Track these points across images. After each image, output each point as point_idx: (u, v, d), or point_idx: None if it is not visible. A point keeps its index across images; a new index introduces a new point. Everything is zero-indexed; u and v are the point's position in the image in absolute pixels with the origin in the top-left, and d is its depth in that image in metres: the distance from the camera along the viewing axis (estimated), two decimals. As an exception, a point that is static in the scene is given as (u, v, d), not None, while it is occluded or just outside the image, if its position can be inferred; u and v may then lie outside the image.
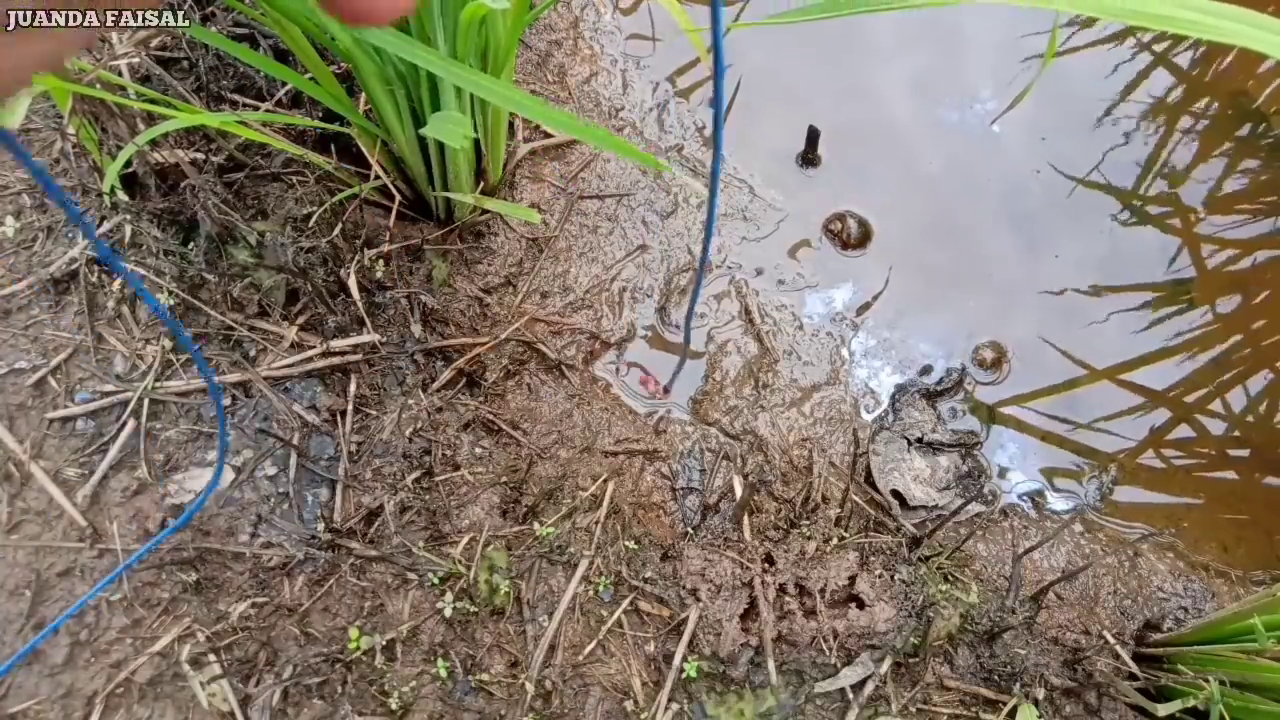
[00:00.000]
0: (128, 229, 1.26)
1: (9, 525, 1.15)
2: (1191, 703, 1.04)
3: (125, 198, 1.25)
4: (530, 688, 1.11)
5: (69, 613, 1.06)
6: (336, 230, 1.25)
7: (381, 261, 1.30)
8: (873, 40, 1.66)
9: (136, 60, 1.32)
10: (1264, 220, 1.54)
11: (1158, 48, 1.67)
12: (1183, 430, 1.40)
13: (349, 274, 1.25)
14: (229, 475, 1.18)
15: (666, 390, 1.34)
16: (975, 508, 1.31)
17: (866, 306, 1.46)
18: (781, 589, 1.16)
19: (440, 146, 1.19)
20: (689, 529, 1.25)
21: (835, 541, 1.20)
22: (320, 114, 1.35)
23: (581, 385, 1.34)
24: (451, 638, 1.14)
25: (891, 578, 1.18)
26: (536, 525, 1.20)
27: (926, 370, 1.42)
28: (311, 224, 1.26)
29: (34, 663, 1.09)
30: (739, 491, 1.26)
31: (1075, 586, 1.27)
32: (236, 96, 1.35)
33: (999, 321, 1.45)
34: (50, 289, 1.26)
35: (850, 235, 1.48)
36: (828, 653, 1.13)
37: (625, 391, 1.37)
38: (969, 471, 1.34)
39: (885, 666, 1.14)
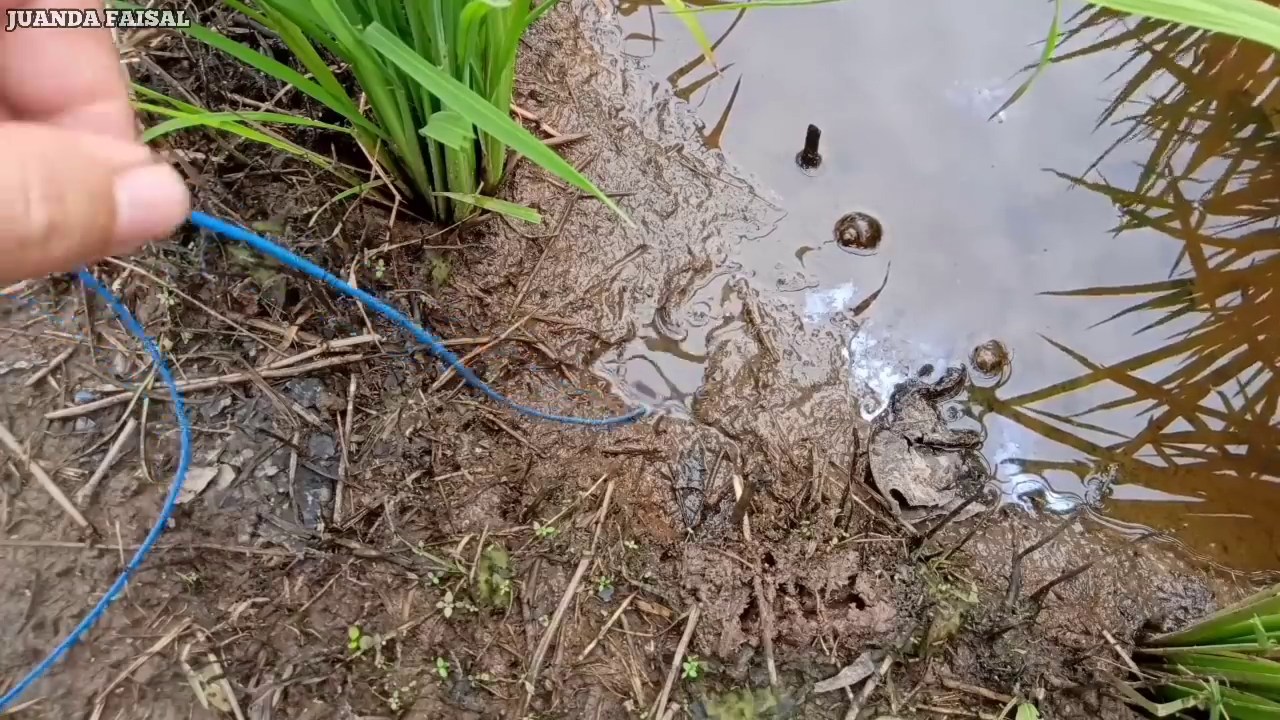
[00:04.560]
0: (128, 229, 1.26)
1: (9, 525, 1.15)
2: (1191, 703, 1.04)
3: (125, 198, 1.25)
4: (530, 688, 1.11)
5: (84, 624, 1.06)
6: (336, 230, 1.25)
7: (381, 261, 1.30)
8: (872, 40, 1.66)
9: (136, 60, 1.32)
10: (1264, 220, 1.54)
11: (1158, 47, 1.67)
12: (1183, 430, 1.40)
13: (349, 274, 1.25)
14: (229, 475, 1.18)
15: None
16: (975, 508, 1.31)
17: (866, 306, 1.46)
18: (781, 589, 1.16)
19: (440, 146, 1.19)
20: (689, 529, 1.25)
21: (835, 541, 1.20)
22: (320, 114, 1.35)
23: (582, 385, 1.34)
24: (451, 638, 1.14)
25: (891, 578, 1.18)
26: (536, 525, 1.20)
27: (927, 370, 1.42)
28: (311, 224, 1.26)
29: (34, 663, 1.09)
30: (739, 491, 1.26)
31: (1075, 586, 1.27)
32: (236, 96, 1.35)
33: (999, 321, 1.45)
34: (50, 289, 1.26)
35: (862, 236, 1.48)
36: (828, 653, 1.13)
37: (625, 391, 1.37)
38: (969, 471, 1.34)
39: (885, 666, 1.14)
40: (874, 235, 1.50)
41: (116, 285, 1.26)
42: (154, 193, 0.24)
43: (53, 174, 0.21)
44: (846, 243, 1.48)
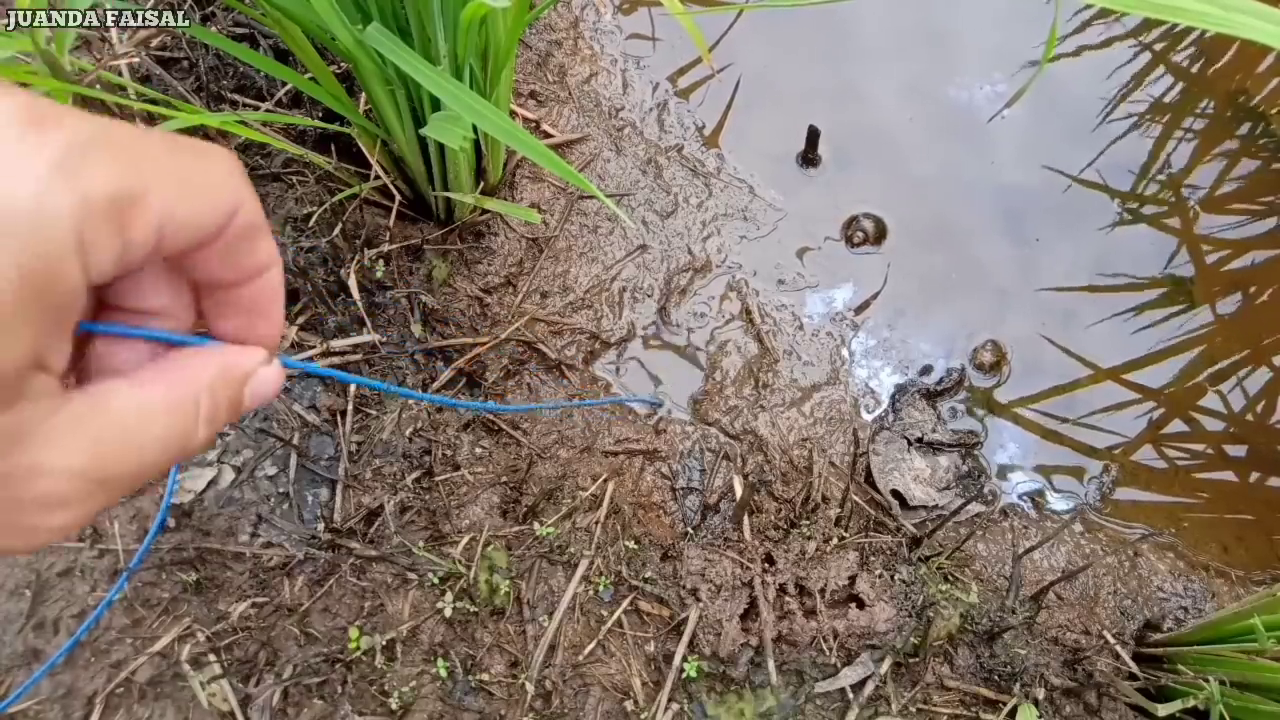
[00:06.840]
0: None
1: (9, 525, 1.14)
2: (1191, 703, 1.04)
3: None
4: (530, 688, 1.11)
5: (85, 626, 1.06)
6: (336, 230, 1.25)
7: (381, 261, 1.30)
8: (871, 40, 1.66)
9: (136, 60, 1.32)
10: (1264, 220, 1.54)
11: (1158, 46, 1.67)
12: (1183, 430, 1.40)
13: (349, 274, 1.25)
14: (229, 475, 1.18)
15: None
16: (975, 508, 1.31)
17: (866, 306, 1.46)
18: (781, 589, 1.16)
19: (440, 146, 1.19)
20: (689, 529, 1.25)
21: (835, 541, 1.20)
22: (320, 114, 1.35)
23: (582, 385, 1.34)
24: (451, 638, 1.14)
25: (891, 578, 1.18)
26: (536, 525, 1.20)
27: (927, 370, 1.42)
28: (311, 224, 1.26)
29: (34, 663, 1.09)
30: (739, 491, 1.26)
31: (1075, 586, 1.27)
32: (236, 96, 1.35)
33: (998, 321, 1.45)
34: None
35: (869, 236, 1.49)
36: (828, 653, 1.13)
37: (625, 391, 1.37)
38: (969, 471, 1.34)
39: (885, 666, 1.14)
40: (880, 234, 1.50)
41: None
42: (266, 388, 0.32)
43: (214, 401, 0.28)
44: (855, 245, 1.48)
